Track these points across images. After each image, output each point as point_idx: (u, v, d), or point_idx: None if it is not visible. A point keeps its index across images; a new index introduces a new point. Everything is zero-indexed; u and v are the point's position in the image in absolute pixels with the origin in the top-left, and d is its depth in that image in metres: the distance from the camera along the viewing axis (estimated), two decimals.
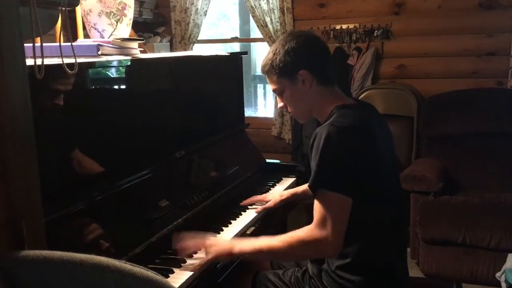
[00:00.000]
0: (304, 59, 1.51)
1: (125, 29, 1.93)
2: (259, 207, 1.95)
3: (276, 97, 3.88)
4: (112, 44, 1.71)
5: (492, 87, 3.35)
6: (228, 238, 1.67)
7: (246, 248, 1.48)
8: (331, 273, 1.51)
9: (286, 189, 2.21)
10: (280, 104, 1.63)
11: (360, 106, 1.57)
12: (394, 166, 1.63)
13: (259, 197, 2.02)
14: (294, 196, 2.00)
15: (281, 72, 1.53)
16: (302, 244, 1.41)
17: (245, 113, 2.62)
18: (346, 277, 1.48)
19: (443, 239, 2.69)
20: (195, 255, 1.54)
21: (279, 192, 2.05)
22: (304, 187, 1.97)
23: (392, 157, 1.60)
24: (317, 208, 1.41)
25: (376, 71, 3.60)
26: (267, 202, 1.98)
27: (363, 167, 1.41)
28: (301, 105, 1.58)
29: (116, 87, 1.78)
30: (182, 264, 1.48)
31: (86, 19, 1.89)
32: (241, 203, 1.98)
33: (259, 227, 1.85)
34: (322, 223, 1.38)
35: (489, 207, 2.70)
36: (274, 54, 1.54)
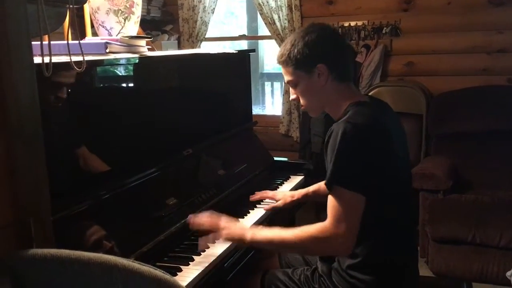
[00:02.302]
0: (323, 53, 1.49)
1: (133, 27, 1.93)
2: (268, 206, 1.94)
3: (284, 93, 3.89)
4: (120, 42, 1.71)
5: (502, 84, 3.32)
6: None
7: (258, 237, 1.49)
8: (342, 272, 1.50)
9: (294, 187, 2.20)
10: (293, 97, 1.60)
11: (374, 104, 1.55)
12: (408, 164, 1.61)
13: (269, 194, 2.00)
14: (305, 197, 1.97)
15: (298, 64, 1.51)
16: (314, 240, 1.41)
17: (252, 111, 2.61)
18: (357, 277, 1.47)
19: (453, 238, 2.66)
20: (203, 253, 1.54)
21: (290, 193, 2.02)
22: (315, 187, 1.96)
23: (406, 155, 1.58)
24: (332, 205, 1.39)
25: (385, 69, 3.57)
26: (276, 200, 1.97)
27: (377, 165, 1.40)
28: (314, 99, 1.56)
29: (123, 85, 1.78)
30: (190, 263, 1.47)
31: (94, 17, 1.89)
32: (251, 198, 1.97)
33: (267, 225, 1.84)
34: (338, 221, 1.38)
35: (499, 206, 2.67)
36: (292, 45, 1.51)
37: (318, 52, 1.48)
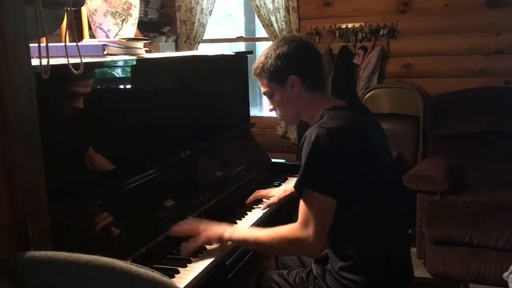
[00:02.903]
0: (295, 65, 1.53)
1: (130, 29, 1.93)
2: (264, 204, 1.95)
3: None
4: (117, 44, 1.71)
5: (499, 86, 3.33)
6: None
7: (235, 236, 1.54)
8: (335, 274, 1.51)
9: None
10: (270, 107, 1.66)
11: (351, 107, 1.57)
12: (392, 166, 1.62)
13: (262, 192, 2.02)
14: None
15: (271, 76, 1.56)
16: (285, 241, 1.45)
17: (250, 113, 2.61)
18: (349, 278, 1.47)
19: (450, 239, 2.67)
20: (200, 255, 1.54)
21: (282, 188, 2.05)
22: None
23: (388, 156, 1.59)
24: (301, 208, 1.43)
25: (382, 70, 3.58)
26: (270, 198, 1.97)
27: (357, 167, 1.41)
28: (290, 109, 1.61)
29: (121, 87, 1.78)
30: (187, 264, 1.48)
31: (92, 19, 1.89)
32: (246, 201, 1.98)
33: (265, 226, 1.85)
34: (305, 224, 1.41)
35: (496, 207, 2.68)
36: (266, 58, 1.56)
37: (290, 64, 1.53)
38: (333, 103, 1.54)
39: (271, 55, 1.55)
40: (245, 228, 1.59)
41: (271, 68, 1.54)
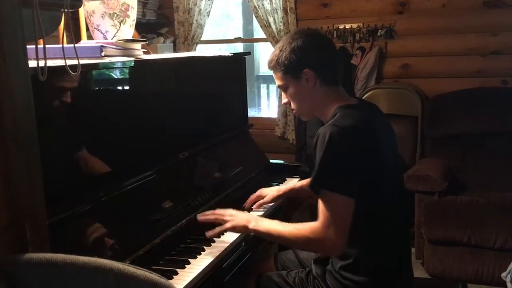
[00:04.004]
0: (309, 59, 1.51)
1: (128, 30, 1.93)
2: (256, 204, 1.94)
3: (280, 96, 3.90)
4: (115, 46, 1.71)
5: (497, 86, 3.33)
6: (233, 237, 1.67)
7: (259, 227, 1.55)
8: (335, 273, 1.51)
9: None
10: (285, 100, 1.64)
11: (363, 106, 1.56)
12: (397, 166, 1.62)
13: (256, 194, 1.99)
14: (291, 191, 1.98)
15: (286, 69, 1.54)
16: (307, 240, 1.45)
17: (248, 114, 2.61)
18: (350, 278, 1.48)
19: (448, 239, 2.68)
20: (199, 257, 1.54)
21: (276, 188, 2.03)
22: (302, 182, 1.97)
23: (395, 157, 1.59)
24: (321, 208, 1.42)
25: (380, 71, 3.58)
26: (263, 197, 1.97)
27: (365, 167, 1.41)
28: (304, 103, 1.59)
29: (119, 88, 1.78)
30: (186, 266, 1.48)
31: (89, 20, 1.89)
32: (245, 206, 1.97)
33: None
34: (326, 224, 1.40)
35: (494, 207, 2.68)
36: (280, 51, 1.54)
37: (304, 58, 1.51)
38: (346, 101, 1.53)
39: (285, 48, 1.52)
40: (269, 221, 1.58)
41: (286, 62, 1.52)
